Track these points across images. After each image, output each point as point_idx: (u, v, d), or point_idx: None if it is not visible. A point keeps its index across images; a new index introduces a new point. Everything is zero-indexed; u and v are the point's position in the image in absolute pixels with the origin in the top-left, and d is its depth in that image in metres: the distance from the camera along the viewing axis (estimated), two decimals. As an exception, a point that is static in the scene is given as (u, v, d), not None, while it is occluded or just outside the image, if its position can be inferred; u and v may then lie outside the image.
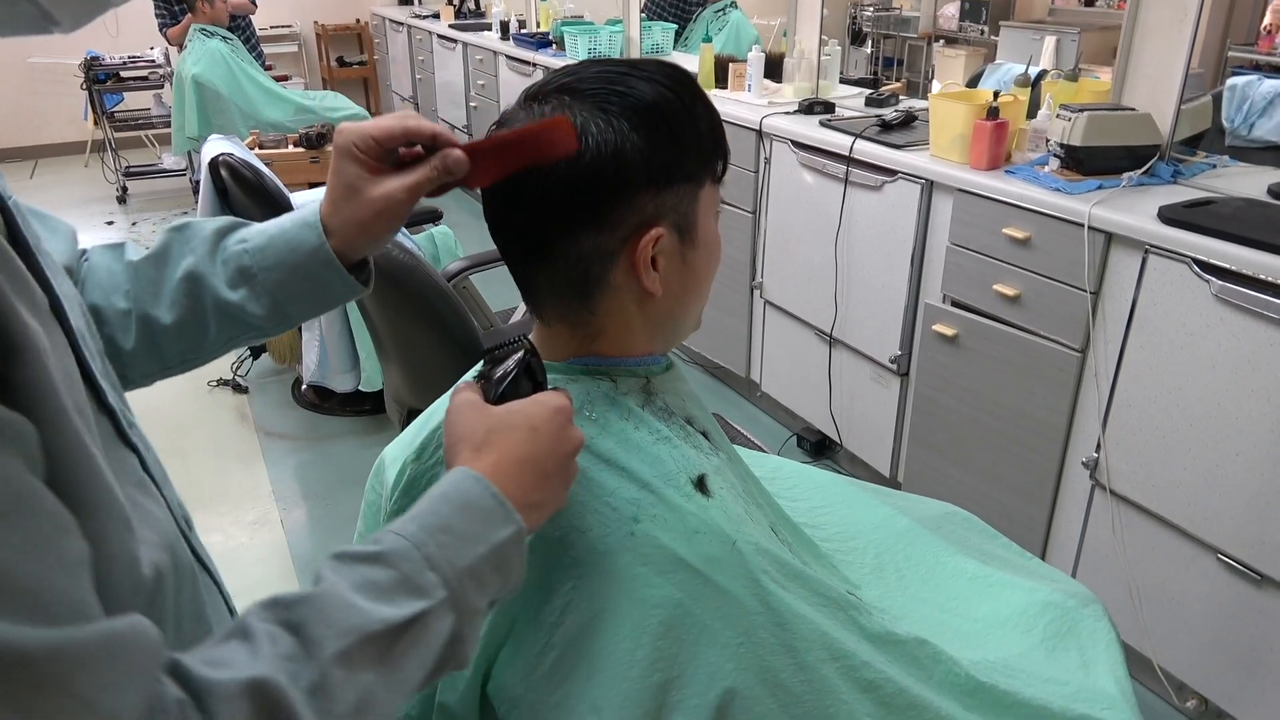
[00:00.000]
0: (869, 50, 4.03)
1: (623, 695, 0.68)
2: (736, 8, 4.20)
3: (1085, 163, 1.99)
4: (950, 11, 3.88)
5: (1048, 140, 2.07)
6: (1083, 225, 1.85)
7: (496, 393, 0.71)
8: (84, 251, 0.76)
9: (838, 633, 0.75)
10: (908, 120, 2.54)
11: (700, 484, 0.74)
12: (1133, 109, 2.03)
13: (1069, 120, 1.98)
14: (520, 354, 0.75)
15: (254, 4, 5.19)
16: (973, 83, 3.03)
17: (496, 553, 0.59)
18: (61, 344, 0.51)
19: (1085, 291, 1.89)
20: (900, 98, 2.95)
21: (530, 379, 0.74)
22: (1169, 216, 1.75)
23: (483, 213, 0.78)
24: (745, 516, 0.76)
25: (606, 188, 0.71)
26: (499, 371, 0.73)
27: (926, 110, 2.63)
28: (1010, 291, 2.04)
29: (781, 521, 0.92)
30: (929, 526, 1.31)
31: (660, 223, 0.74)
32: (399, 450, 0.96)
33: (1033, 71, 2.46)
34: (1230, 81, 2.49)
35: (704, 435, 0.81)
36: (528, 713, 0.71)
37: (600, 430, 0.75)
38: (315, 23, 7.14)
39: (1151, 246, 1.75)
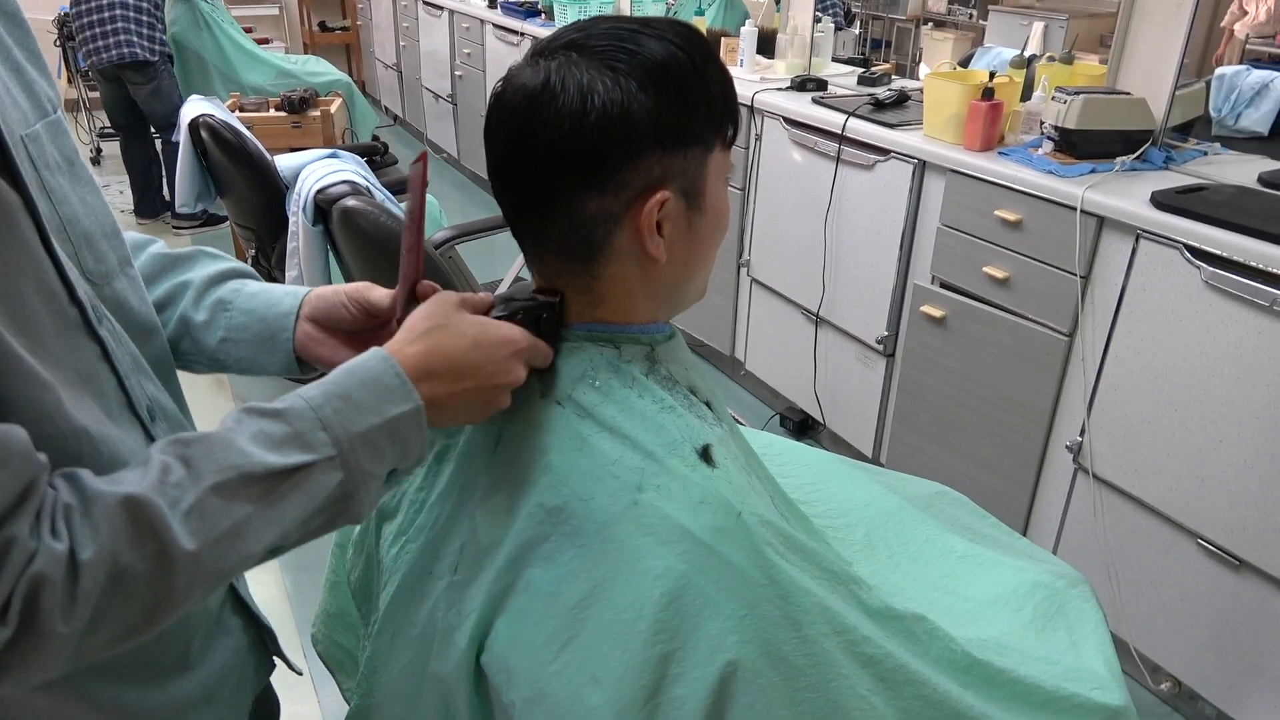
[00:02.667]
0: (857, 31, 4.02)
1: (623, 666, 0.67)
2: (728, -19, 4.15)
3: (1079, 146, 1.99)
4: (940, -7, 3.89)
5: (1042, 123, 2.06)
6: (1075, 209, 1.85)
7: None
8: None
9: (839, 606, 0.74)
10: (900, 100, 2.52)
11: (705, 454, 0.72)
12: (1128, 93, 2.02)
13: (1064, 103, 1.97)
14: (539, 301, 0.74)
15: None
16: (962, 65, 3.01)
17: (391, 425, 0.64)
18: (20, 239, 0.58)
19: (1075, 275, 1.89)
20: (892, 78, 2.93)
21: (534, 328, 0.73)
22: (1161, 201, 1.75)
23: (466, 180, 0.76)
24: (748, 488, 0.75)
25: (611, 148, 0.69)
26: (509, 308, 0.74)
27: (919, 90, 2.63)
28: (1000, 274, 2.04)
29: (778, 496, 0.91)
30: (919, 505, 1.30)
31: (666, 186, 0.72)
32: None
33: (1025, 55, 2.45)
34: (1219, 71, 2.49)
35: (707, 405, 0.79)
36: (525, 683, 0.70)
37: (603, 398, 0.74)
38: (297, -15, 7.00)
39: (1143, 231, 1.75)
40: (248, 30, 5.13)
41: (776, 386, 2.93)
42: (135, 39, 4.15)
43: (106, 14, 4.13)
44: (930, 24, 3.82)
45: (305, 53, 6.70)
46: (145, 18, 4.20)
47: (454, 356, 0.68)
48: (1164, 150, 2.02)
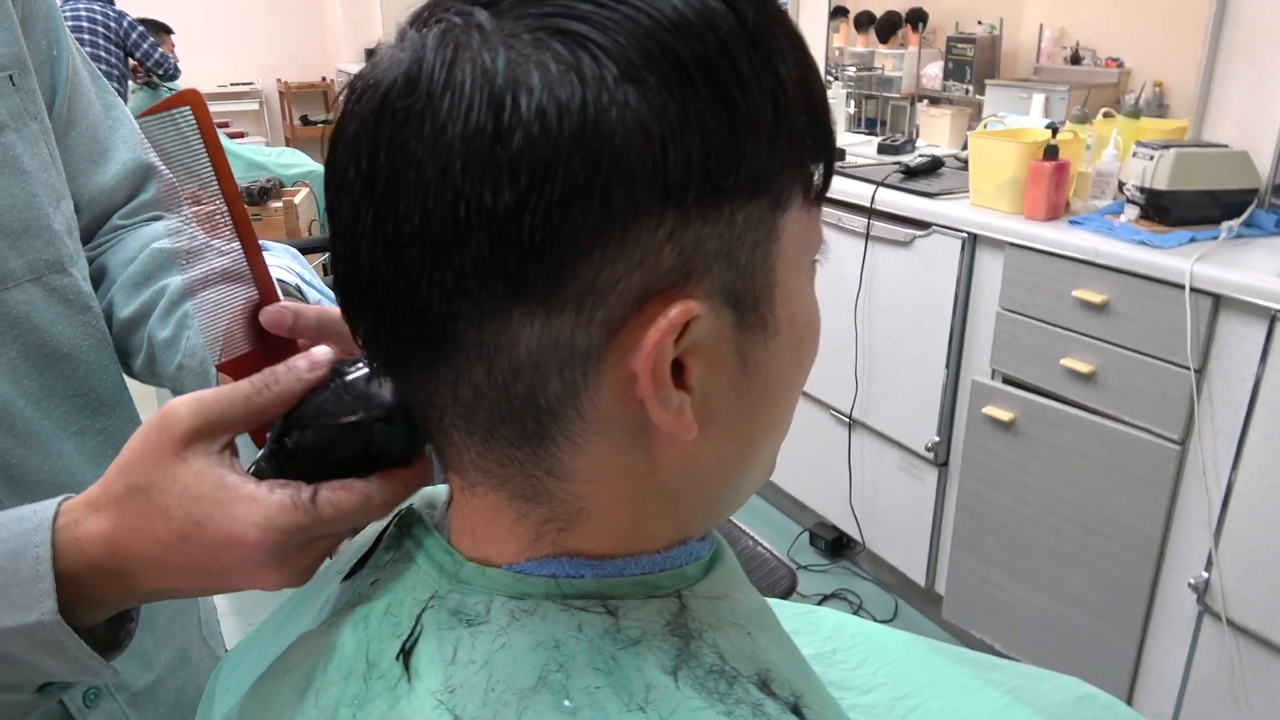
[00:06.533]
0: (850, 110, 3.86)
1: None
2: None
3: (1171, 211, 1.63)
4: (934, 71, 3.75)
5: (1121, 185, 1.71)
6: (1182, 286, 1.48)
7: (265, 457, 0.42)
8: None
9: None
10: (934, 166, 2.19)
11: None
12: (1225, 146, 1.68)
13: (1151, 159, 1.62)
14: (356, 420, 0.41)
15: None
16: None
17: None
18: None
19: (1186, 368, 1.51)
20: (915, 144, 2.63)
21: (356, 453, 0.41)
22: (1301, 274, 1.38)
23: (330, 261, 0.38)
24: None
25: (563, 212, 0.31)
26: (298, 430, 0.41)
27: (953, 156, 2.31)
28: (1084, 368, 1.66)
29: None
30: (1060, 721, 0.90)
31: (689, 289, 0.34)
32: (242, 675, 0.54)
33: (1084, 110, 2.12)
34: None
35: (794, 710, 0.40)
36: None
37: (585, 738, 0.34)
38: (279, 80, 6.82)
39: (1280, 312, 1.39)
40: (221, 125, 4.89)
41: (804, 499, 2.51)
42: None
43: None
44: (925, 101, 3.71)
45: (285, 146, 6.49)
46: None
47: (153, 551, 0.40)
48: (1273, 212, 1.67)
